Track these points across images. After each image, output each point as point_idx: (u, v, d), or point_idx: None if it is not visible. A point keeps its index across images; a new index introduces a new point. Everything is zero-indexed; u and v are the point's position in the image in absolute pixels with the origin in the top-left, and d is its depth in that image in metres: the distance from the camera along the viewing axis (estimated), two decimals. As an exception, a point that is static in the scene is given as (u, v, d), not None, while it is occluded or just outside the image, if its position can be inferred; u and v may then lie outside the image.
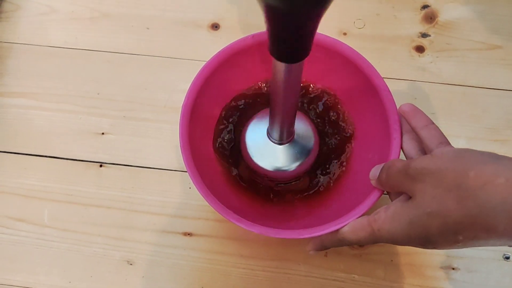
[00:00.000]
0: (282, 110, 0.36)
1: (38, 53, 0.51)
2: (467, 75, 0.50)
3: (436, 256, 0.44)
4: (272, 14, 0.26)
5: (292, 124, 0.39)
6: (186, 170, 0.46)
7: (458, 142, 0.47)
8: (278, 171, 0.42)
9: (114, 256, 0.44)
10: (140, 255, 0.44)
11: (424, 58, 0.50)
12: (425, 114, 0.37)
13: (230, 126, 0.44)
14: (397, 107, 0.39)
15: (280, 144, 0.41)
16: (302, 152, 0.42)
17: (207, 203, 0.43)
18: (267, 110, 0.41)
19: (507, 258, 0.44)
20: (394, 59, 0.50)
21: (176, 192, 0.46)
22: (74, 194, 0.46)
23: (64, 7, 0.53)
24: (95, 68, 0.51)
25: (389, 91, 0.39)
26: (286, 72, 0.31)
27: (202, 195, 0.36)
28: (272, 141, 0.41)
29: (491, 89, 0.50)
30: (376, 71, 0.40)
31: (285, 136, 0.40)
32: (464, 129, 0.48)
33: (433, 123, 0.36)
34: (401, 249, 0.44)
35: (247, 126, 0.43)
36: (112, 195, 0.46)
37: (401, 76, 0.50)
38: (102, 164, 0.47)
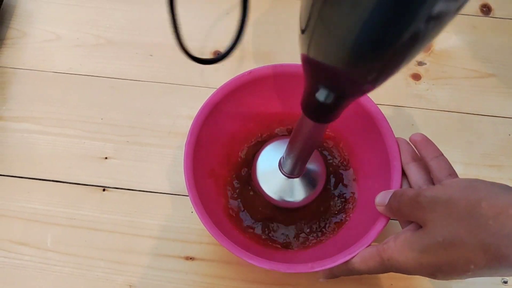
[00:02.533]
0: (298, 153, 0.38)
1: (43, 78, 0.52)
2: (462, 102, 0.51)
3: (434, 280, 0.45)
4: (314, 89, 0.28)
5: (305, 163, 0.41)
6: (187, 194, 0.47)
7: (455, 168, 0.48)
8: (283, 201, 0.43)
9: (116, 280, 0.44)
10: (142, 279, 0.44)
11: (421, 86, 0.52)
12: (435, 145, 0.38)
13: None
14: (395, 135, 0.40)
15: (289, 177, 0.42)
16: (310, 185, 0.43)
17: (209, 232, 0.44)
18: (283, 138, 0.42)
19: (505, 282, 0.44)
20: (391, 86, 0.52)
21: (178, 216, 0.47)
22: (77, 218, 0.46)
23: (69, 34, 0.54)
24: (99, 93, 0.52)
25: (384, 117, 0.41)
26: (313, 128, 0.32)
27: (212, 235, 0.37)
28: (283, 173, 0.42)
29: (485, 115, 0.51)
30: (370, 98, 0.41)
31: (296, 172, 0.42)
32: (460, 155, 0.49)
33: (442, 154, 0.37)
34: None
35: (261, 151, 0.44)
36: (114, 219, 0.46)
37: (398, 103, 0.51)
38: (105, 188, 0.48)
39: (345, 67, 0.24)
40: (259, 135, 0.47)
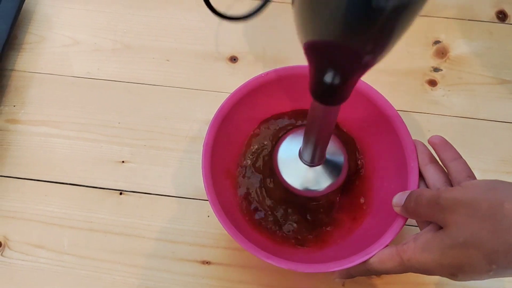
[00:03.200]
0: (315, 140, 0.37)
1: (61, 82, 0.53)
2: (478, 108, 0.51)
3: (447, 286, 0.44)
4: (322, 64, 0.28)
5: (323, 150, 0.40)
6: (205, 199, 0.47)
7: (471, 173, 0.48)
8: (307, 190, 0.42)
9: (133, 284, 0.44)
10: (159, 283, 0.44)
11: (437, 92, 0.52)
12: (454, 148, 0.38)
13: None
14: (412, 138, 0.40)
15: (311, 166, 0.42)
16: (332, 173, 0.42)
17: (225, 231, 0.43)
18: (300, 129, 0.42)
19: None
20: (408, 93, 0.52)
21: (194, 220, 0.47)
22: (94, 222, 0.47)
23: (87, 39, 0.55)
24: (116, 98, 0.52)
25: (402, 119, 0.41)
26: (324, 112, 0.33)
27: (230, 234, 0.37)
28: (304, 162, 0.42)
29: (502, 122, 0.51)
30: (387, 100, 0.41)
31: (316, 160, 0.41)
32: (477, 161, 0.49)
33: (461, 157, 0.37)
34: (415, 278, 0.44)
35: (280, 144, 0.44)
36: (131, 223, 0.47)
37: (414, 109, 0.51)
38: (122, 192, 0.48)
39: (340, 39, 0.25)
40: (275, 135, 0.47)
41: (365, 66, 0.28)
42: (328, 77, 0.28)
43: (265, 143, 0.46)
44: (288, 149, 0.43)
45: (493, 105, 0.52)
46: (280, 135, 0.46)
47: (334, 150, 0.43)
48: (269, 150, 0.46)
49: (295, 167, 0.42)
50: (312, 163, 0.42)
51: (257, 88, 0.43)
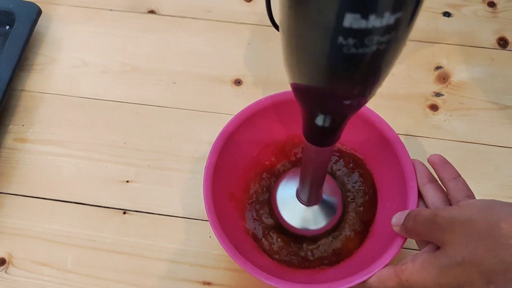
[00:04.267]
0: (311, 180, 0.39)
1: (69, 103, 0.54)
2: (479, 133, 0.52)
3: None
4: (311, 115, 0.30)
5: (319, 190, 0.41)
6: (206, 219, 0.47)
7: (473, 198, 0.49)
8: (305, 229, 0.43)
9: (134, 303, 0.45)
10: (160, 303, 0.45)
11: (438, 116, 0.53)
12: (453, 167, 0.38)
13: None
14: (411, 158, 0.41)
15: (308, 205, 0.43)
16: (328, 213, 0.43)
17: (226, 253, 0.44)
18: (297, 170, 0.43)
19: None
20: (409, 117, 0.52)
21: (196, 241, 0.47)
22: (98, 240, 0.47)
23: (96, 61, 0.56)
24: (123, 118, 0.53)
25: (399, 139, 0.41)
26: (317, 153, 0.34)
27: (229, 254, 0.37)
28: (301, 202, 0.43)
29: (503, 147, 0.51)
30: (385, 121, 0.42)
31: (313, 200, 0.42)
32: (478, 186, 0.49)
33: (460, 176, 0.37)
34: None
35: (278, 184, 0.45)
36: (134, 242, 0.47)
37: (416, 133, 0.52)
38: (126, 211, 0.49)
39: (324, 85, 0.26)
40: (278, 159, 0.48)
41: (351, 109, 0.29)
42: (318, 120, 0.30)
43: (267, 172, 0.47)
44: (286, 189, 0.45)
45: (494, 130, 0.52)
46: (281, 166, 0.47)
47: (328, 188, 0.44)
48: (270, 181, 0.47)
49: (293, 207, 0.43)
50: (309, 203, 0.43)
51: (259, 111, 0.44)
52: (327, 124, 0.29)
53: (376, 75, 0.25)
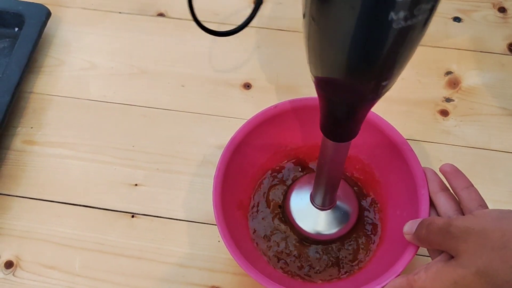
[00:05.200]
0: (326, 180, 0.38)
1: (78, 105, 0.54)
2: (490, 139, 0.51)
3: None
4: (332, 106, 0.29)
5: (334, 191, 0.41)
6: (215, 223, 0.47)
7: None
8: (317, 234, 0.43)
9: (142, 308, 0.44)
10: (168, 307, 0.44)
11: (449, 122, 0.52)
12: (465, 176, 0.38)
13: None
14: (421, 166, 0.41)
15: (322, 209, 0.43)
16: (343, 217, 0.43)
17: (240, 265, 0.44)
18: (311, 175, 0.43)
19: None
20: (419, 122, 0.52)
21: (205, 245, 0.47)
22: (106, 244, 0.47)
23: (104, 63, 0.56)
24: (131, 121, 0.53)
25: (410, 147, 0.41)
26: (335, 149, 0.33)
27: (239, 264, 0.37)
28: (315, 206, 0.43)
29: (513, 153, 0.51)
30: (395, 129, 0.42)
31: (328, 203, 0.42)
32: (488, 192, 0.48)
33: (473, 185, 0.37)
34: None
35: (292, 189, 0.45)
36: (142, 246, 0.47)
37: (426, 138, 0.51)
38: (134, 215, 0.48)
39: (347, 77, 0.26)
40: (287, 166, 0.47)
41: (371, 100, 0.28)
42: (338, 112, 0.29)
43: (278, 179, 0.47)
44: (300, 193, 0.44)
45: (505, 136, 0.52)
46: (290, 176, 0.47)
47: (344, 194, 0.44)
48: (281, 190, 0.47)
49: (307, 210, 0.43)
50: (323, 206, 0.42)
51: (268, 119, 0.44)
52: (343, 115, 0.29)
53: (412, 50, 0.26)
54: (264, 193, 0.46)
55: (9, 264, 0.46)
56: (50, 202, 0.49)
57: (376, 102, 0.29)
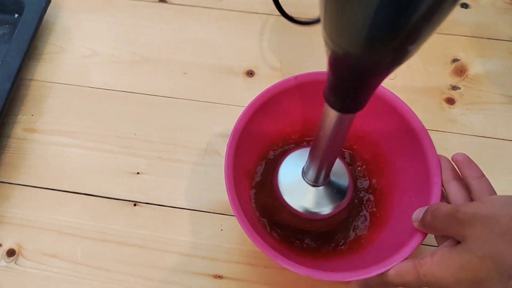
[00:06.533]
0: (324, 154, 0.36)
1: (79, 93, 0.53)
2: (497, 128, 0.51)
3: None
4: (345, 69, 0.27)
5: (330, 168, 0.39)
6: (218, 212, 0.47)
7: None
8: (307, 212, 0.41)
9: (145, 296, 0.44)
10: (171, 296, 0.44)
11: (455, 110, 0.51)
12: (477, 166, 0.37)
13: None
14: (437, 154, 0.40)
15: (314, 186, 0.41)
16: (336, 195, 0.41)
17: (238, 246, 0.43)
18: (303, 149, 0.41)
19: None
20: (425, 110, 0.51)
21: (207, 234, 0.46)
22: (108, 232, 0.47)
23: (106, 51, 0.56)
24: (133, 109, 0.52)
25: (427, 133, 0.40)
26: (338, 121, 0.31)
27: (250, 238, 0.36)
28: (307, 182, 0.41)
29: (520, 142, 0.50)
30: (414, 113, 0.41)
31: (321, 180, 0.40)
32: (495, 181, 0.47)
33: (484, 175, 0.37)
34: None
35: (281, 162, 0.43)
36: (144, 235, 0.47)
37: (432, 127, 0.51)
38: (136, 203, 0.48)
39: (361, 46, 0.25)
40: (295, 140, 0.47)
41: (384, 70, 0.27)
42: (350, 78, 0.27)
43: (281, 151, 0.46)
44: (290, 168, 0.42)
45: (511, 125, 0.51)
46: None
47: (338, 171, 0.42)
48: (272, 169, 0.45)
49: (297, 186, 0.41)
50: (315, 183, 0.40)
51: (281, 92, 0.42)
52: (361, 82, 0.27)
53: (447, 12, 0.24)
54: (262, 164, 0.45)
55: (11, 252, 0.46)
56: (52, 190, 0.49)
57: (393, 70, 0.27)
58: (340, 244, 0.43)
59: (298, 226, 0.43)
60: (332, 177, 0.41)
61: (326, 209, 0.41)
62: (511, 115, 0.51)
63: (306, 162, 0.40)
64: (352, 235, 0.43)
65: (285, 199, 0.41)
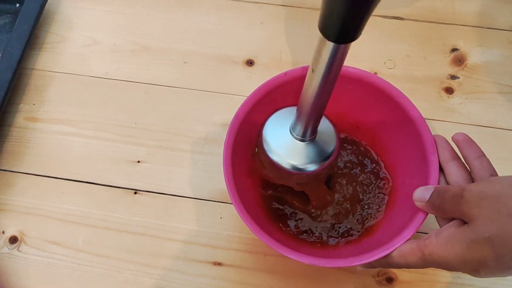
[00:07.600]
0: (315, 98, 0.34)
1: (80, 82, 0.54)
2: (496, 117, 0.51)
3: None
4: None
5: (318, 120, 0.38)
6: (218, 200, 0.47)
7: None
8: (295, 168, 0.40)
9: (145, 283, 0.45)
10: (171, 283, 0.45)
11: (454, 100, 0.52)
12: (478, 146, 0.37)
13: None
14: (433, 135, 0.40)
15: (302, 141, 0.39)
16: (323, 151, 0.40)
17: (237, 234, 0.44)
18: (290, 108, 0.41)
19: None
20: (424, 100, 0.52)
21: (207, 222, 0.47)
22: (109, 220, 0.47)
23: (106, 40, 0.56)
24: (134, 98, 0.53)
25: (421, 114, 0.40)
26: (331, 54, 0.30)
27: (251, 229, 0.37)
28: (294, 137, 0.39)
29: (519, 131, 0.50)
30: (407, 98, 0.41)
31: (309, 134, 0.39)
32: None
33: (485, 155, 0.36)
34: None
35: (268, 119, 0.42)
36: (145, 222, 0.47)
37: (430, 116, 0.51)
38: (137, 192, 0.48)
39: None
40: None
41: None
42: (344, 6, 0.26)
43: None
44: (278, 124, 0.41)
45: (511, 114, 0.51)
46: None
47: (326, 129, 0.41)
48: None
49: (284, 142, 0.40)
50: (303, 137, 0.39)
51: (277, 87, 0.43)
52: (352, 11, 0.26)
53: None
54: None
55: (13, 239, 0.46)
56: (53, 178, 0.49)
57: None
58: (351, 234, 0.43)
59: (288, 183, 0.42)
60: (320, 135, 0.40)
61: (313, 164, 0.40)
62: (510, 105, 0.51)
63: (294, 119, 0.39)
64: (356, 219, 0.44)
65: (271, 158, 0.40)
